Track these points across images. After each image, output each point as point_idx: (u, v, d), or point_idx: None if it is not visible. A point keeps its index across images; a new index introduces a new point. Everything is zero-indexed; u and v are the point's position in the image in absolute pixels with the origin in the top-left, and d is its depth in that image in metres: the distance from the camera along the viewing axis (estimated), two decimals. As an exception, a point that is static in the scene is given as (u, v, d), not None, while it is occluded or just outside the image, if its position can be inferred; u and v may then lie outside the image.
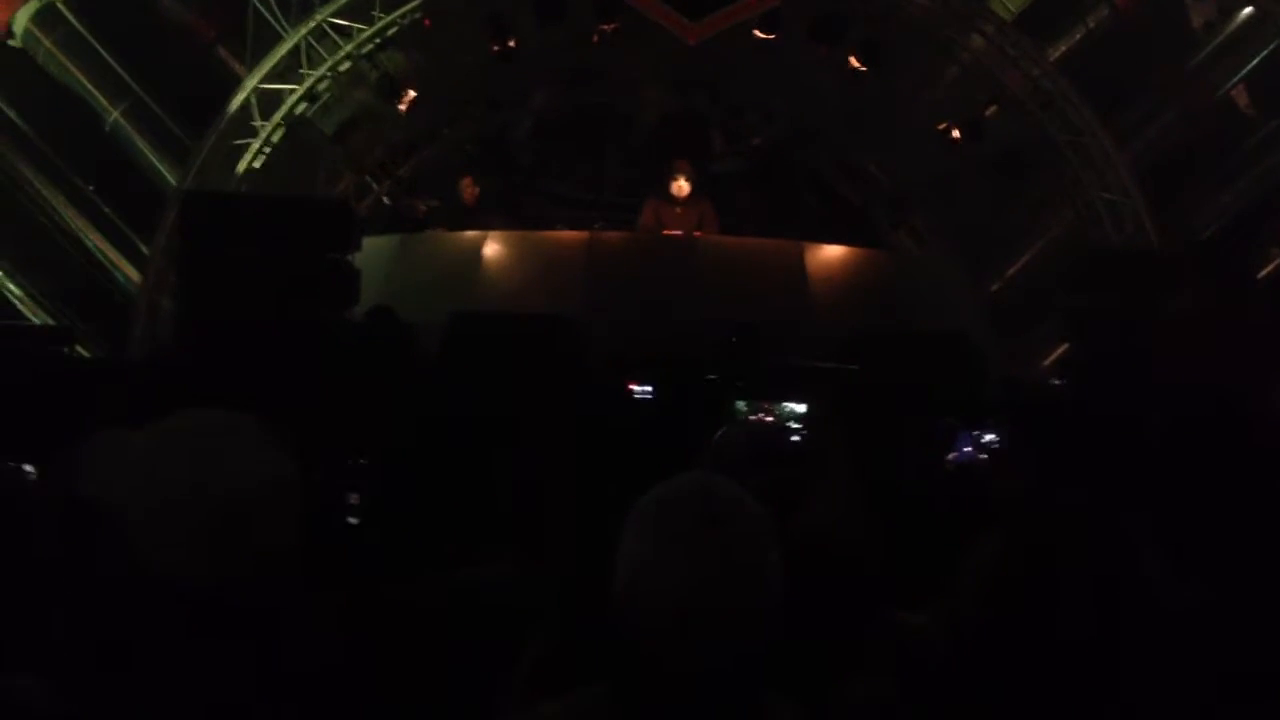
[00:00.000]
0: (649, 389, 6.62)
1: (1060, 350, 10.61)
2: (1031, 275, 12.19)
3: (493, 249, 10.17)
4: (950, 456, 4.96)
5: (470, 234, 10.55)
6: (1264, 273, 11.71)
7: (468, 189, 11.22)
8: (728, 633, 1.56)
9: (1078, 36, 12.21)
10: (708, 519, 1.58)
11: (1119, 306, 8.48)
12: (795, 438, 4.77)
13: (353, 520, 3.59)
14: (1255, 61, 11.91)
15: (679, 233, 10.20)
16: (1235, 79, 12.10)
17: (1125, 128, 11.84)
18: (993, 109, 11.54)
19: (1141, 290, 8.59)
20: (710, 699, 1.56)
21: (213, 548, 1.54)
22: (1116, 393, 7.33)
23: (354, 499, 3.64)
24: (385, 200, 13.13)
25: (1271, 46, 11.84)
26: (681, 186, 10.19)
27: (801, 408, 5.17)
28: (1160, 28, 12.19)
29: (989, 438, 5.04)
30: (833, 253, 10.62)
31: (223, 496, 1.55)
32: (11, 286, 11.34)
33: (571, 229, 11.25)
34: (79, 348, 10.33)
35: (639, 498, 1.62)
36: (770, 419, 5.36)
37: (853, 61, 11.46)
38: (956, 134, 11.64)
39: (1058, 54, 11.97)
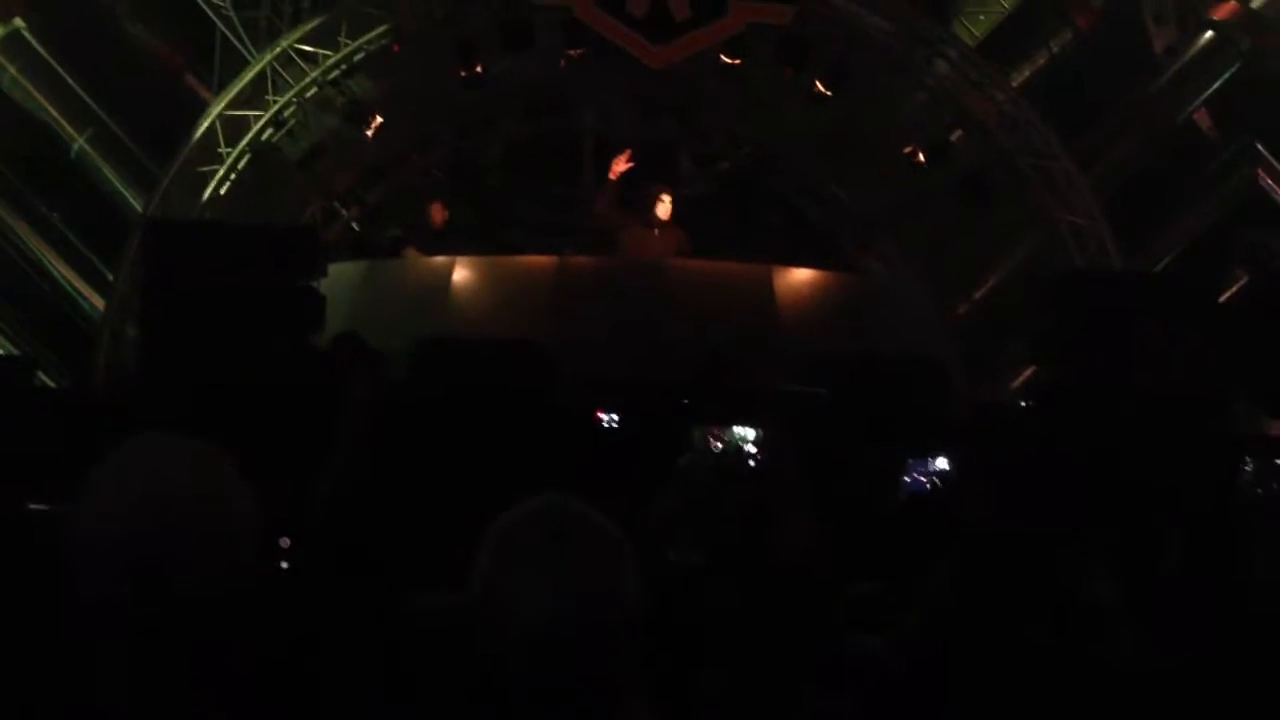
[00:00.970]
0: (615, 418, 6.61)
1: (1027, 373, 10.67)
2: (998, 299, 12.27)
3: (461, 274, 10.15)
4: (905, 481, 4.99)
5: (439, 259, 10.54)
6: (1228, 294, 11.82)
7: (437, 212, 11.21)
8: (578, 650, 1.55)
9: (1041, 61, 12.34)
10: (555, 535, 1.59)
11: (1084, 329, 8.54)
12: (751, 461, 4.80)
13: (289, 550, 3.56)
14: (1217, 85, 12.06)
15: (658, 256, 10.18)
16: (1197, 102, 12.25)
17: (1089, 151, 11.95)
18: (958, 133, 11.64)
19: (1106, 312, 8.65)
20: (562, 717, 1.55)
21: (150, 573, 1.52)
22: (1082, 414, 7.38)
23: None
24: (354, 226, 13.11)
25: (1232, 70, 12.00)
26: (666, 209, 10.08)
27: (751, 433, 5.19)
28: (1123, 52, 12.34)
29: (940, 464, 5.06)
30: (801, 276, 10.66)
31: (160, 518, 1.53)
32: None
33: (541, 254, 11.25)
34: (43, 377, 10.24)
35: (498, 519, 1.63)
36: (720, 445, 5.37)
37: (818, 86, 11.54)
38: (922, 158, 11.73)
39: (1021, 78, 12.09)
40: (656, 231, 10.17)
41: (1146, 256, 11.97)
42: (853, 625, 2.85)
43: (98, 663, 1.53)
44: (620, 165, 10.16)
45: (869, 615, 2.88)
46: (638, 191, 10.58)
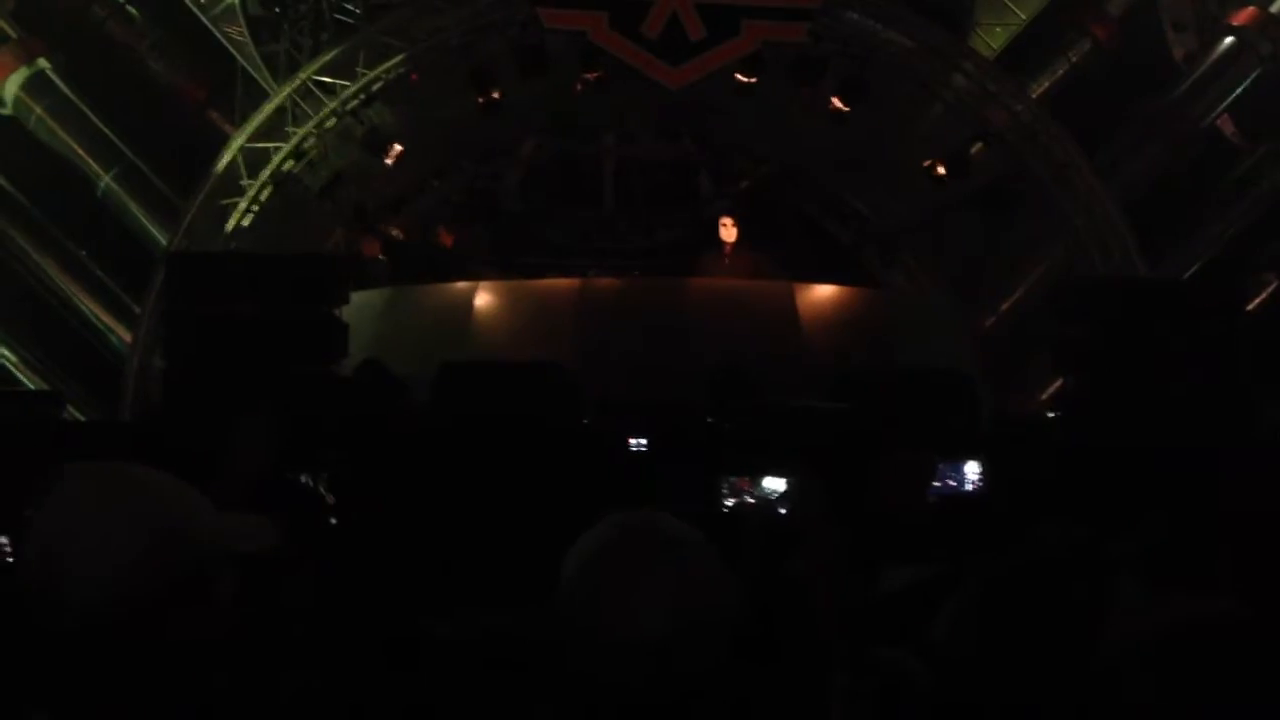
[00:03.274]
0: (644, 442, 6.59)
1: (1056, 384, 10.59)
2: (1023, 310, 12.20)
3: (484, 299, 10.18)
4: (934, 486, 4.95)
5: (460, 285, 10.57)
6: (1256, 300, 11.71)
7: (444, 234, 11.32)
8: (677, 661, 1.56)
9: (1060, 71, 12.30)
10: (660, 547, 1.60)
11: (1110, 338, 8.46)
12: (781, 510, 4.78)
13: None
14: (1238, 91, 11.98)
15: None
16: (1220, 108, 12.17)
17: (1111, 160, 11.89)
18: (978, 146, 11.60)
19: (1132, 321, 8.57)
20: None
21: (99, 600, 1.51)
22: (1110, 423, 7.31)
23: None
24: (380, 257, 13.16)
25: (1254, 75, 11.92)
26: (729, 233, 10.13)
27: (781, 484, 5.16)
28: (1143, 60, 12.29)
29: (971, 471, 5.02)
30: (823, 292, 10.63)
31: (110, 548, 1.52)
32: (4, 351, 11.35)
33: (563, 276, 11.28)
34: (72, 411, 10.32)
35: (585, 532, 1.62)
36: (751, 500, 5.33)
37: (835, 102, 11.53)
38: (942, 171, 11.68)
39: (1040, 89, 12.05)
40: (727, 260, 10.18)
41: (1172, 264, 11.88)
42: (879, 631, 2.83)
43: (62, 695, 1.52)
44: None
45: (897, 616, 2.85)
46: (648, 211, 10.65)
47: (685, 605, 1.57)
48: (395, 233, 12.43)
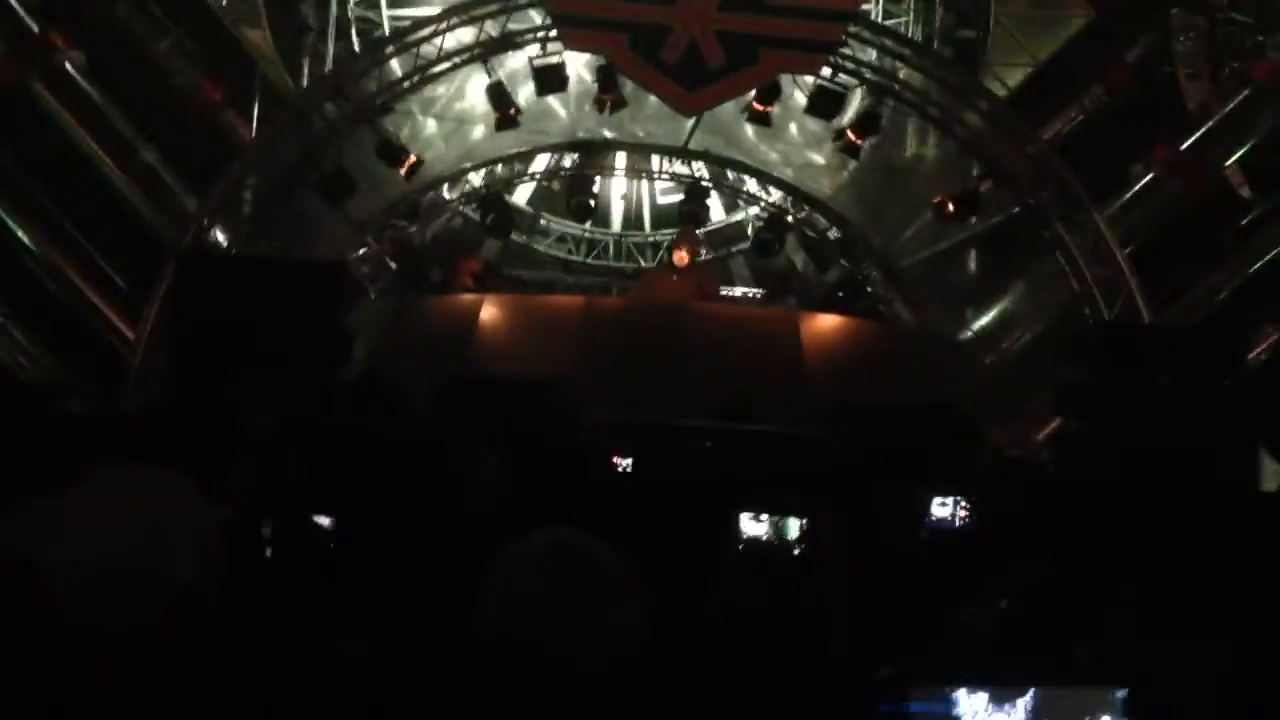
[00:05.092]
0: (629, 462, 6.61)
1: (1053, 425, 10.61)
2: (1025, 350, 12.24)
3: (489, 312, 10.22)
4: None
5: (467, 297, 10.62)
6: (1257, 350, 11.73)
7: (466, 272, 11.46)
8: (585, 673, 1.60)
9: (1073, 115, 12.36)
10: (557, 567, 1.64)
11: (1110, 382, 8.49)
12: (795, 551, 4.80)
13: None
14: (1251, 143, 12.03)
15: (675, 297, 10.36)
16: (1230, 160, 12.21)
17: (1119, 205, 11.94)
18: (987, 184, 11.65)
19: (1133, 366, 8.60)
20: None
21: (119, 599, 1.55)
22: (1103, 464, 7.32)
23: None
24: (390, 264, 13.23)
25: (1267, 129, 11.97)
26: (682, 257, 10.44)
27: (794, 524, 5.15)
28: (1155, 108, 12.34)
29: (961, 507, 5.04)
30: (828, 322, 10.68)
31: (126, 551, 1.56)
32: (8, 337, 11.38)
33: (569, 293, 11.34)
34: (71, 402, 10.34)
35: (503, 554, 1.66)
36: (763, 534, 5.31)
37: (849, 134, 11.60)
38: (951, 208, 11.74)
39: (1053, 131, 12.11)
40: (675, 277, 10.38)
41: (1175, 312, 11.91)
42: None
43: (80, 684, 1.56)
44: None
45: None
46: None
47: (594, 622, 1.59)
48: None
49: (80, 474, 1.66)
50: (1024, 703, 2.30)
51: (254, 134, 11.59)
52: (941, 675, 2.36)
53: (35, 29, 11.28)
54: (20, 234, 11.38)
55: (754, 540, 4.91)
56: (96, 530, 1.59)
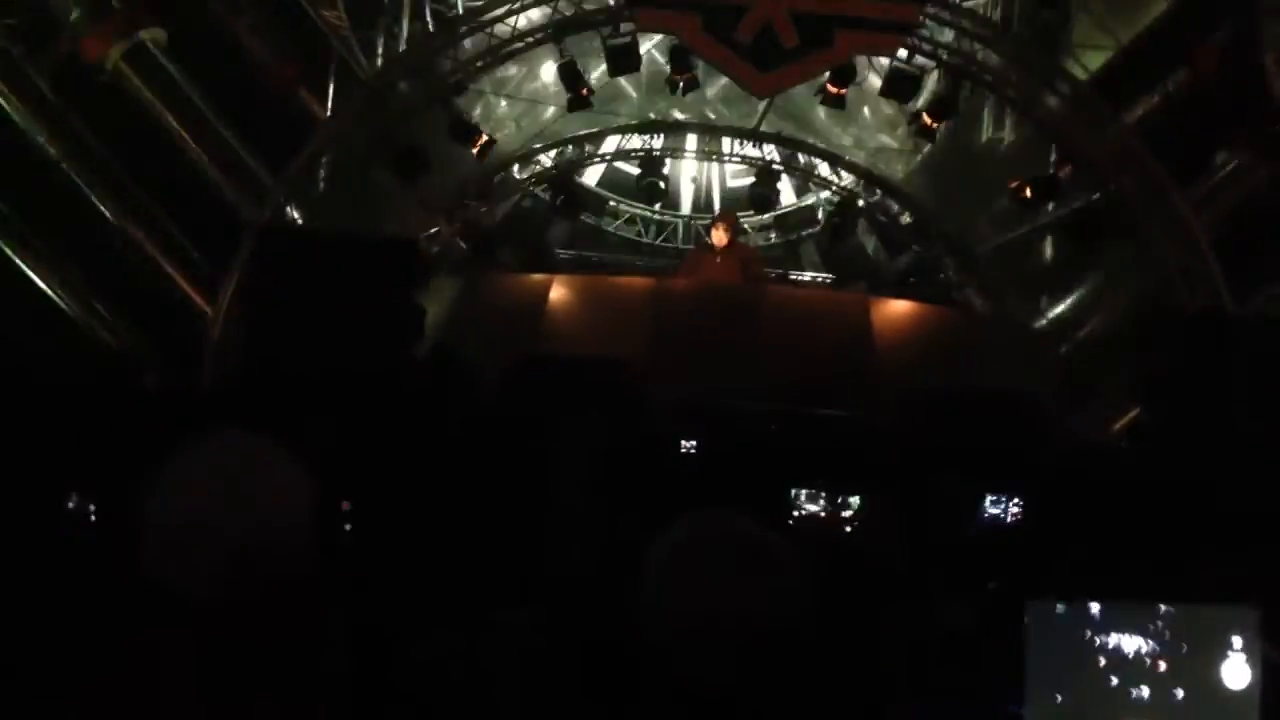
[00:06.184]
0: (694, 444, 6.60)
1: (1131, 414, 10.41)
2: (1102, 338, 12.01)
3: (559, 292, 10.24)
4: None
5: (537, 276, 10.64)
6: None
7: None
8: (755, 652, 1.64)
9: (1155, 99, 12.08)
10: (745, 550, 1.68)
11: (1191, 372, 8.31)
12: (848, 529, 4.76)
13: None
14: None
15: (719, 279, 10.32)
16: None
17: (1202, 192, 11.66)
18: (1066, 169, 11.43)
19: (1215, 356, 8.41)
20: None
21: (223, 571, 1.55)
22: (1184, 456, 7.17)
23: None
24: (461, 243, 13.30)
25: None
26: (721, 237, 10.38)
27: (855, 500, 5.12)
28: (1241, 93, 12.03)
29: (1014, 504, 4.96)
30: (899, 308, 10.56)
31: (233, 523, 1.57)
32: (91, 310, 11.60)
33: (638, 275, 11.32)
34: (149, 377, 10.52)
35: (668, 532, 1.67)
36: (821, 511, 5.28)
37: (924, 117, 11.44)
38: (1029, 193, 11.54)
39: (1135, 116, 11.84)
40: (719, 259, 10.32)
41: (1259, 301, 11.62)
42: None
43: (163, 649, 1.57)
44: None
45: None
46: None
47: (765, 605, 1.62)
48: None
49: (168, 448, 1.67)
50: (1160, 622, 2.30)
51: (329, 112, 11.69)
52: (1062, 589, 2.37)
53: (117, 5, 11.44)
54: (101, 207, 11.56)
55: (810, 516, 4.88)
56: (197, 496, 1.60)
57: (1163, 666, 2.39)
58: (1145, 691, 2.40)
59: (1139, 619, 2.39)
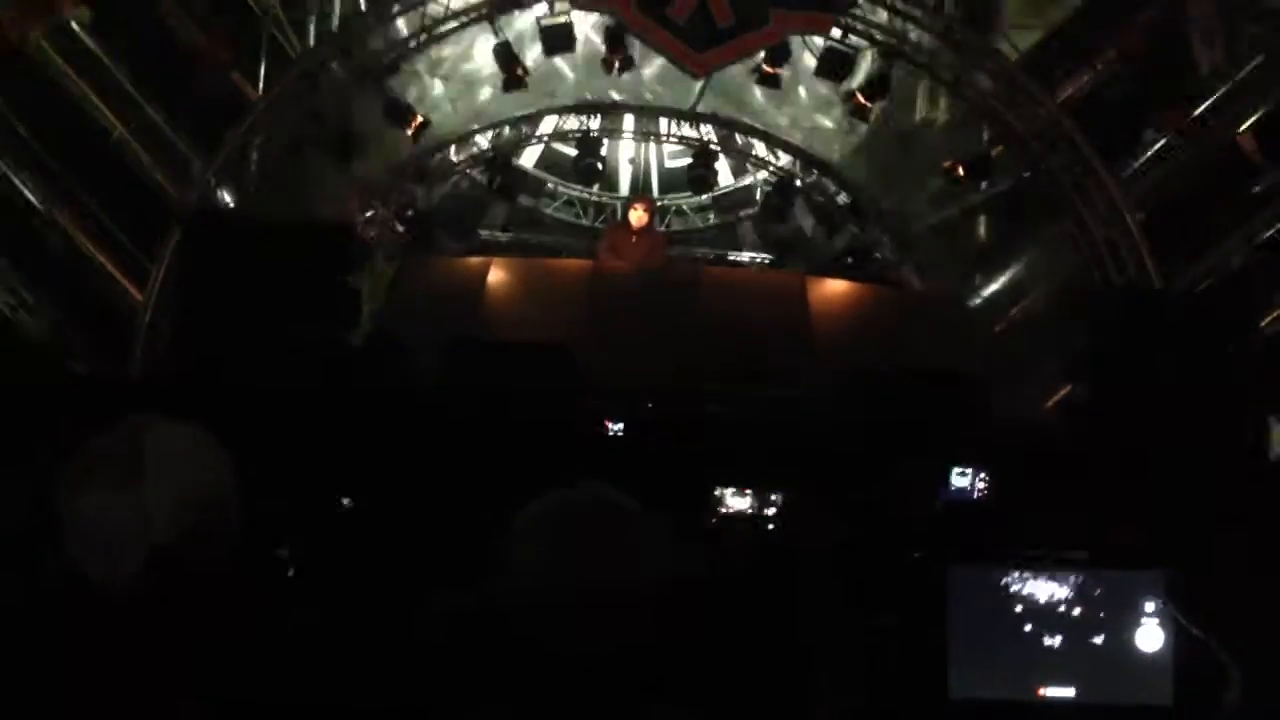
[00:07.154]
0: (620, 426, 6.61)
1: (1063, 391, 10.58)
2: (1035, 316, 12.18)
3: (497, 275, 10.17)
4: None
5: (474, 260, 10.56)
6: (1268, 319, 11.68)
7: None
8: (614, 621, 1.63)
9: (1085, 78, 12.24)
10: (595, 517, 1.69)
11: (1119, 348, 8.46)
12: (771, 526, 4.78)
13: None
14: (1264, 109, 11.92)
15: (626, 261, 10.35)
16: (1243, 125, 12.11)
17: (1130, 170, 11.85)
18: (998, 148, 11.55)
19: (1143, 331, 8.57)
20: (597, 687, 1.62)
21: (142, 562, 1.53)
22: (1114, 432, 7.31)
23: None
24: (397, 227, 13.18)
25: (1280, 94, 11.86)
26: (640, 218, 10.39)
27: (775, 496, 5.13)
28: (1168, 72, 12.22)
29: (978, 479, 5.03)
30: (837, 287, 10.63)
31: (145, 504, 1.54)
32: (13, 298, 11.35)
33: (575, 257, 11.29)
34: (78, 363, 10.34)
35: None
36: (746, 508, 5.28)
37: (858, 97, 11.51)
38: (962, 172, 11.65)
39: (1064, 95, 11.99)
40: (634, 238, 10.34)
41: (1186, 278, 11.84)
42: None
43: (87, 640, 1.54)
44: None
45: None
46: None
47: (616, 569, 1.62)
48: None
49: (94, 435, 1.64)
50: (1079, 584, 2.37)
51: (260, 93, 11.51)
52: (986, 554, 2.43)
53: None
54: (25, 192, 11.31)
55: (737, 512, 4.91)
56: (118, 486, 1.57)
57: (1080, 626, 2.49)
58: (1061, 644, 2.50)
59: (1058, 581, 2.49)
